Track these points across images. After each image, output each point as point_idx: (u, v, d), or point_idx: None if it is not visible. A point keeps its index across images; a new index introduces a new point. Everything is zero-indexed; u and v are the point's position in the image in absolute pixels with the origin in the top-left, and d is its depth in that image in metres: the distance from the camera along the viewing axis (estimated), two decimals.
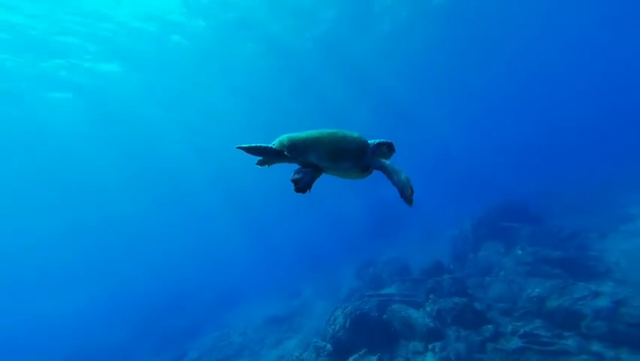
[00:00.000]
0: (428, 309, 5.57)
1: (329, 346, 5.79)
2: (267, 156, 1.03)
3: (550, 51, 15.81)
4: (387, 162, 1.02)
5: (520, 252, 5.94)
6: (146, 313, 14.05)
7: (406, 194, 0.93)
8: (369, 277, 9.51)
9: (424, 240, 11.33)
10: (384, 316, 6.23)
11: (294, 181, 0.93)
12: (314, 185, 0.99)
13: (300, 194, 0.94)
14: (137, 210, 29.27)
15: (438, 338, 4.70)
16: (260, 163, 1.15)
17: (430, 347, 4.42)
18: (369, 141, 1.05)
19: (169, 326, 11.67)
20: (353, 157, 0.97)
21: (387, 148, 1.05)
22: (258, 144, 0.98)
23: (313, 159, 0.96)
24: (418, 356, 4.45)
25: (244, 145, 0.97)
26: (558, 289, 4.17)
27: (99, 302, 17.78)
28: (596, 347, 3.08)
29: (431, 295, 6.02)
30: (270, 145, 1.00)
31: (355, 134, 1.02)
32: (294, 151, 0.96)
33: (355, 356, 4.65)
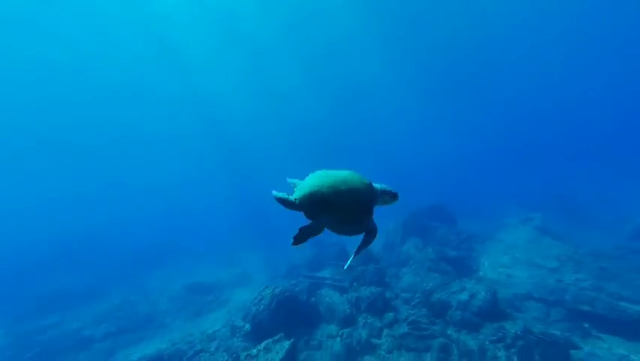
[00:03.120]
0: (349, 296, 6.78)
1: (248, 326, 6.29)
2: (288, 207, 1.17)
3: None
4: (376, 232, 1.19)
5: (430, 249, 7.82)
6: (24, 268, 11.66)
7: (359, 252, 1.19)
8: (310, 257, 10.62)
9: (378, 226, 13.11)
10: (313, 298, 7.26)
11: (296, 238, 1.09)
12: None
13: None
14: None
15: (351, 323, 5.91)
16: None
17: (340, 332, 5.57)
18: (374, 185, 1.20)
19: (55, 286, 9.91)
20: (358, 223, 1.11)
21: (391, 197, 1.24)
22: (284, 197, 1.14)
23: (323, 222, 1.10)
24: (330, 340, 5.56)
25: (273, 194, 1.18)
26: (443, 284, 5.81)
27: None
28: (450, 330, 4.65)
29: (355, 283, 7.29)
30: (290, 198, 1.15)
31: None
32: (308, 213, 1.11)
33: (269, 340, 5.14)
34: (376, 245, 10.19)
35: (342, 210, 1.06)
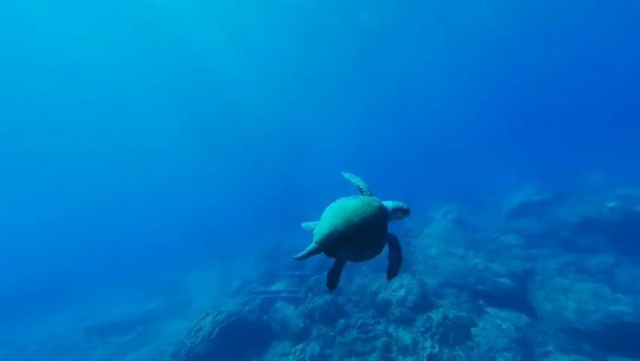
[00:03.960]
0: (304, 308, 6.89)
1: None
2: (312, 255, 1.28)
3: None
4: (397, 241, 1.36)
5: None
6: None
7: (394, 273, 1.34)
8: (265, 270, 10.17)
9: None
10: (265, 316, 7.04)
11: (328, 285, 1.30)
12: None
13: None
14: None
15: (305, 337, 6.02)
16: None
17: (293, 349, 5.63)
18: (385, 204, 1.36)
19: None
20: (375, 246, 1.24)
21: (402, 213, 1.41)
22: (307, 252, 1.23)
23: (344, 255, 1.24)
24: (283, 358, 5.55)
25: (296, 257, 1.27)
26: (386, 283, 6.63)
27: None
28: (391, 328, 5.38)
29: (309, 294, 7.45)
30: (312, 248, 1.24)
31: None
32: (327, 252, 1.23)
33: None
34: None
35: (359, 240, 1.19)
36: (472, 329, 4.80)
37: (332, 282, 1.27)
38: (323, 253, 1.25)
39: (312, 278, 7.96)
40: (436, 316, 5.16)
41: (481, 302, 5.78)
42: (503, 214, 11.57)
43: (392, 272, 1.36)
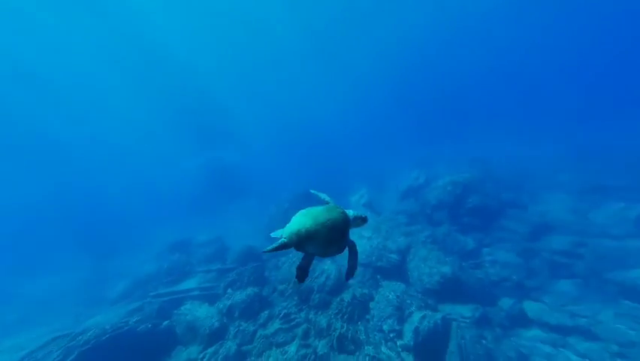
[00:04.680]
0: (221, 305, 6.44)
1: None
2: (281, 249, 1.46)
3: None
4: (355, 246, 1.64)
5: None
6: None
7: (351, 274, 1.61)
8: (170, 266, 8.42)
9: (261, 211, 12.46)
10: (166, 322, 6.07)
11: (298, 278, 1.51)
12: None
13: None
14: None
15: (220, 337, 5.72)
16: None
17: (202, 354, 5.29)
18: (347, 212, 1.65)
19: None
20: (338, 245, 1.50)
21: (361, 221, 1.70)
22: (276, 246, 1.40)
23: (311, 250, 1.44)
24: None
25: (265, 250, 1.44)
26: (310, 270, 7.22)
27: None
28: (311, 314, 6.08)
29: (229, 290, 6.99)
30: (282, 241, 1.42)
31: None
32: (296, 246, 1.41)
33: None
34: (261, 240, 10.20)
35: (324, 238, 1.41)
36: (371, 303, 6.24)
37: (301, 275, 1.45)
38: (293, 248, 1.40)
39: (234, 271, 7.43)
40: (346, 296, 6.24)
41: (378, 277, 7.53)
42: (397, 196, 15.07)
43: (350, 274, 1.57)
